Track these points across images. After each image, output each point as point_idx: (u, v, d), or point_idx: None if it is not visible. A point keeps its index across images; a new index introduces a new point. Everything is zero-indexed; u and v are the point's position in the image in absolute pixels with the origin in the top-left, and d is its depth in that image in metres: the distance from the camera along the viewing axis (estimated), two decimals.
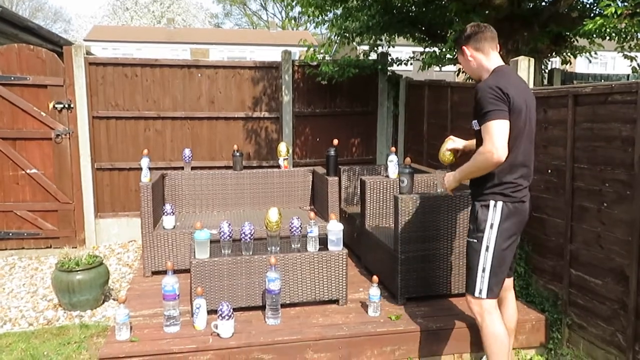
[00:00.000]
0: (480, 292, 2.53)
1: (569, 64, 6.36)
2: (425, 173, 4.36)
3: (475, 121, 2.50)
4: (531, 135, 2.54)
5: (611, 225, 2.90)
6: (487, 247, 2.50)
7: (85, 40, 26.76)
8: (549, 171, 3.41)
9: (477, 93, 2.44)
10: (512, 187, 2.48)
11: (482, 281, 2.52)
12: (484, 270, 2.52)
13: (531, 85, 3.68)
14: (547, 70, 6.95)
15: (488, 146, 2.35)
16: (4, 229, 5.29)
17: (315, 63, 5.84)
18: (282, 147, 4.89)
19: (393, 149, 4.52)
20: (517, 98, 2.40)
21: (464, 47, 2.59)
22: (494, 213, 2.48)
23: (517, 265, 3.63)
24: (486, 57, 2.56)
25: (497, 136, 2.34)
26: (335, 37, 6.01)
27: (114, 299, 4.12)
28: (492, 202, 2.49)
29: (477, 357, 3.12)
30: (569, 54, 5.85)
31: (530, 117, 2.51)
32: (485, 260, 2.51)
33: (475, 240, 2.54)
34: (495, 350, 2.54)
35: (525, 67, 3.66)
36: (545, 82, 6.70)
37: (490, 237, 2.50)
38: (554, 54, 5.89)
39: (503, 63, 2.58)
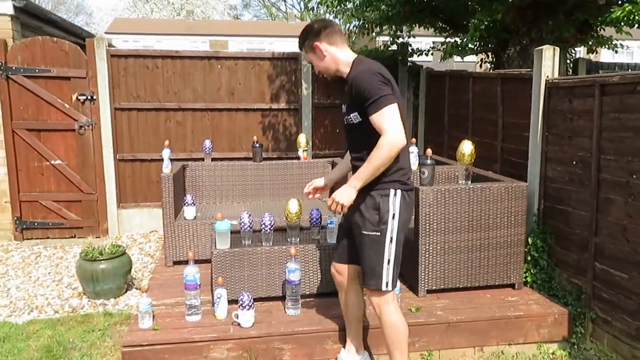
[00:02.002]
0: (387, 285, 2.44)
1: (594, 53, 6.21)
2: (446, 165, 4.31)
3: (355, 114, 2.38)
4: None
5: (638, 218, 2.83)
6: (392, 239, 2.42)
7: (106, 32, 27.05)
8: (574, 162, 3.34)
9: (356, 83, 2.33)
10: (403, 172, 2.44)
11: (388, 273, 2.44)
12: (389, 262, 2.43)
13: (556, 75, 3.61)
14: (572, 60, 6.80)
15: (390, 134, 2.24)
16: (30, 219, 5.41)
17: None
18: (302, 139, 4.88)
19: (413, 140, 4.48)
20: (392, 81, 2.36)
21: (316, 43, 2.43)
22: (394, 202, 2.41)
23: (539, 258, 3.58)
24: (340, 50, 2.46)
25: (395, 121, 2.26)
26: (354, 28, 5.97)
27: (136, 288, 4.19)
28: (392, 192, 2.41)
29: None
30: (595, 43, 5.70)
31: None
32: (390, 251, 2.43)
33: (379, 233, 2.41)
34: (396, 339, 2.49)
35: (549, 56, 3.59)
36: (570, 72, 6.56)
37: (393, 227, 2.41)
38: (579, 43, 5.75)
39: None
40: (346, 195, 2.37)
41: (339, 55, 2.45)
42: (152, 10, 35.69)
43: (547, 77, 3.59)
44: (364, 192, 2.42)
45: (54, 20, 6.31)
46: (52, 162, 5.38)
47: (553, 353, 3.19)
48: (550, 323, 3.21)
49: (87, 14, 38.99)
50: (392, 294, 2.50)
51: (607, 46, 5.88)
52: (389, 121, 2.25)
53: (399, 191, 2.41)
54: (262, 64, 5.79)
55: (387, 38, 6.15)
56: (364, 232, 2.45)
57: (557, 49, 3.62)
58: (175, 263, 4.10)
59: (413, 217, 3.45)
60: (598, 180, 3.12)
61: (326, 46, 2.44)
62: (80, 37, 6.87)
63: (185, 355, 2.88)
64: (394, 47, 6.17)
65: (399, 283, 3.26)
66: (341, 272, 2.72)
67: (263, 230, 3.34)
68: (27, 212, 5.40)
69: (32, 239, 5.44)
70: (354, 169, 2.52)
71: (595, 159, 3.13)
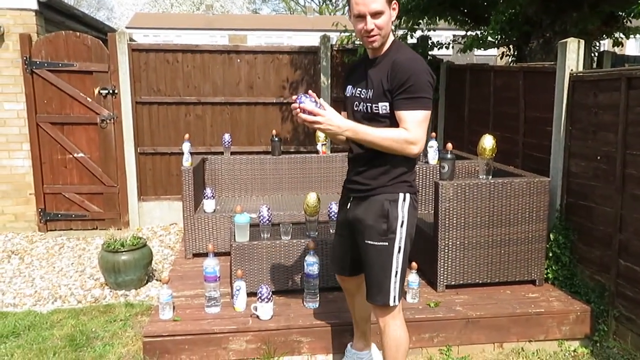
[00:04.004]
0: (394, 300, 2.23)
1: (620, 46, 6.06)
2: (466, 159, 4.27)
3: (386, 104, 2.10)
4: None
5: None
6: (400, 248, 2.20)
7: (127, 27, 27.29)
8: (598, 158, 3.28)
9: (402, 68, 2.05)
10: (412, 172, 2.24)
11: (395, 287, 2.22)
12: (396, 275, 2.22)
13: (580, 68, 3.54)
14: (596, 53, 6.66)
15: (416, 136, 2.05)
16: (54, 211, 5.51)
17: (351, 47, 5.79)
18: (321, 133, 4.87)
19: (433, 134, 4.45)
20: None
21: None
22: (402, 208, 2.19)
23: (561, 255, 3.53)
24: None
25: (425, 131, 2.07)
26: None
27: (157, 280, 4.24)
28: (400, 196, 2.19)
29: None
30: (621, 35, 5.56)
31: None
32: (398, 263, 2.21)
33: (387, 243, 2.19)
34: (396, 354, 2.31)
35: (574, 49, 3.52)
36: (595, 65, 6.42)
37: (402, 236, 2.20)
38: (604, 35, 5.62)
39: None
40: (335, 126, 2.04)
41: (390, 28, 2.14)
42: (172, 5, 35.93)
43: (572, 70, 3.52)
44: (368, 195, 2.23)
45: (77, 15, 6.39)
46: (75, 155, 5.47)
47: (574, 350, 3.14)
48: (572, 320, 3.17)
49: (108, 9, 39.39)
50: (399, 307, 2.31)
51: (634, 36, 5.73)
52: (421, 128, 2.06)
53: (407, 195, 2.21)
54: (281, 58, 5.79)
55: (405, 31, 6.08)
56: (369, 242, 2.22)
57: (582, 42, 3.55)
58: (195, 255, 4.14)
59: (433, 211, 3.45)
60: (623, 175, 3.06)
61: (396, 9, 2.12)
62: (102, 32, 6.96)
63: (204, 346, 2.91)
64: (413, 40, 6.11)
65: (417, 277, 3.25)
66: (346, 281, 2.62)
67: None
68: (50, 204, 5.51)
69: (55, 230, 5.55)
70: (355, 161, 2.28)
71: (620, 154, 3.06)
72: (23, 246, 5.16)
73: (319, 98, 2.12)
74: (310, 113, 2.03)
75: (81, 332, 3.33)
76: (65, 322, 3.49)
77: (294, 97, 2.08)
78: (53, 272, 4.49)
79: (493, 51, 6.79)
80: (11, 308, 3.78)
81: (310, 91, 2.13)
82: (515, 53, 5.80)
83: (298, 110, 2.04)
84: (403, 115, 2.07)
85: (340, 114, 2.14)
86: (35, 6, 5.27)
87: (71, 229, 5.57)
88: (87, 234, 5.53)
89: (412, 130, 2.06)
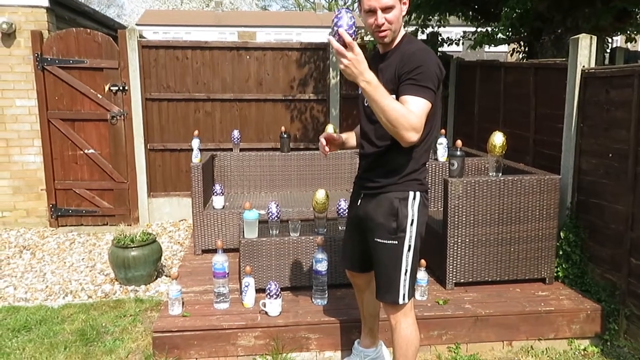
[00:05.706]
0: (404, 298, 2.23)
1: (633, 42, 5.99)
2: (476, 156, 4.24)
3: (392, 96, 1.99)
4: None
5: None
6: (410, 247, 2.19)
7: (137, 24, 27.40)
8: (610, 155, 3.24)
9: (413, 58, 2.02)
10: (423, 170, 2.21)
11: (405, 285, 2.22)
12: (406, 273, 2.21)
13: (592, 65, 3.50)
14: (609, 50, 6.59)
15: (418, 124, 1.94)
16: (65, 206, 5.56)
17: (360, 42, 5.77)
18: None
19: (442, 131, 4.42)
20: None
21: None
22: (412, 207, 2.18)
23: (572, 253, 3.50)
24: None
25: (423, 120, 1.96)
26: None
27: (166, 275, 4.27)
28: (410, 194, 2.17)
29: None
30: (634, 31, 5.49)
31: None
32: (407, 261, 2.20)
33: (396, 242, 2.18)
34: (406, 352, 2.30)
35: (586, 45, 3.48)
36: (607, 61, 6.35)
37: (412, 235, 2.19)
38: (617, 31, 5.56)
39: None
40: (358, 71, 1.85)
41: (401, 22, 2.14)
42: (182, 2, 36.03)
43: (584, 66, 3.48)
44: (378, 192, 2.22)
45: (87, 12, 6.43)
46: (86, 151, 5.51)
47: (584, 349, 3.12)
48: (582, 319, 3.14)
49: (118, 6, 39.54)
50: (410, 304, 2.30)
51: None
52: (422, 118, 1.96)
53: (417, 194, 2.19)
54: (290, 55, 5.79)
55: (414, 28, 6.06)
56: (378, 241, 2.22)
57: (594, 38, 3.51)
58: (204, 251, 4.16)
59: (442, 209, 3.43)
60: (635, 173, 3.02)
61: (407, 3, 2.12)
62: (112, 29, 7.00)
63: (213, 341, 2.93)
64: (423, 36, 6.08)
65: (426, 275, 3.24)
66: (356, 277, 2.62)
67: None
68: (61, 200, 5.56)
69: (66, 225, 5.60)
70: (366, 157, 2.27)
71: (633, 151, 3.03)
72: (34, 241, 5.21)
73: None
74: (344, 42, 1.83)
75: (91, 327, 3.36)
76: (76, 317, 3.52)
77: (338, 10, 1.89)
78: (64, 267, 4.53)
79: (503, 47, 6.74)
80: (23, 302, 3.82)
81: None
82: (526, 49, 5.76)
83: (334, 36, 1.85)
84: (408, 99, 1.98)
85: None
86: (46, 3, 5.30)
87: (82, 225, 5.62)
88: (97, 229, 5.58)
89: (413, 114, 1.95)
